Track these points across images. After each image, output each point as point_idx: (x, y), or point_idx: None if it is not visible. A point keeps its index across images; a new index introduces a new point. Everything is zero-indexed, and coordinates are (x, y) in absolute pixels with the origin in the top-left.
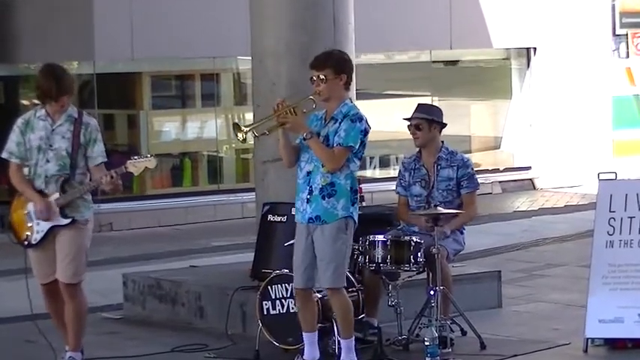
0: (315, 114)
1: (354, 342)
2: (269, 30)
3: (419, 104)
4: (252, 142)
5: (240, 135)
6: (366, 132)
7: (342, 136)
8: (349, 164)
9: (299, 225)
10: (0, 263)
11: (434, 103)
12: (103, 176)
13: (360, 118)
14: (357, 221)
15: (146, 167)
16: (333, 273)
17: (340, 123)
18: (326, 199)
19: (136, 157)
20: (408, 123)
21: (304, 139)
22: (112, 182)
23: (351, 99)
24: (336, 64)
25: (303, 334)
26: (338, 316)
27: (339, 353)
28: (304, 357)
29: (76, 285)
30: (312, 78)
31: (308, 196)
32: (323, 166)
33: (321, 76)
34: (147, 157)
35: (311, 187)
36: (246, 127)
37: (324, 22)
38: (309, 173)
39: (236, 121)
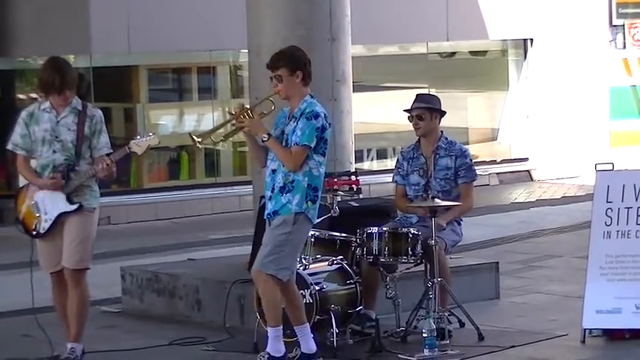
0: (283, 111)
1: (279, 331)
2: (266, 24)
3: (418, 94)
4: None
5: (198, 145)
6: (323, 129)
7: (298, 135)
8: (308, 161)
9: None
10: (1, 257)
11: None
12: (99, 163)
13: (316, 115)
14: (312, 219)
15: (149, 145)
16: (264, 257)
17: (298, 121)
18: (284, 194)
19: (138, 137)
20: (409, 114)
21: (262, 140)
22: (107, 169)
23: (312, 95)
24: (289, 61)
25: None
26: (262, 302)
27: (338, 346)
28: (302, 350)
29: (81, 272)
30: (271, 78)
31: (270, 194)
32: (284, 166)
33: (277, 76)
34: (149, 135)
35: (274, 185)
36: (197, 136)
37: (321, 16)
38: (273, 171)
39: (190, 132)
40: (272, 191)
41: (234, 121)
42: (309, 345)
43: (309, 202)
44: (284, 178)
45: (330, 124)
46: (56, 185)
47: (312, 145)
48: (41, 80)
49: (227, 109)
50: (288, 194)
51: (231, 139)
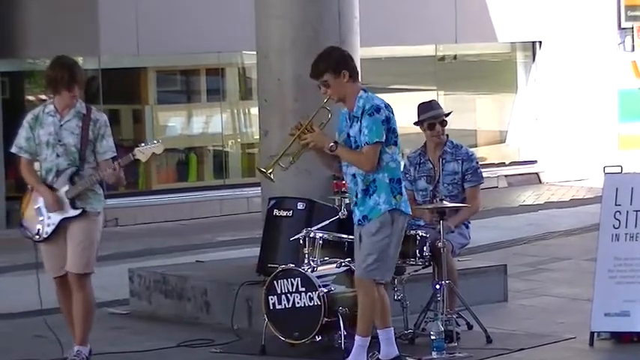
0: (342, 114)
1: (367, 342)
2: (274, 26)
3: (424, 104)
4: (257, 137)
5: (270, 175)
6: (388, 119)
7: (366, 134)
8: (382, 156)
9: (355, 226)
10: (9, 259)
11: (439, 98)
12: (106, 168)
13: (377, 108)
14: (405, 211)
15: (153, 153)
16: (369, 264)
17: (361, 120)
18: (370, 197)
19: (143, 144)
20: (429, 122)
21: (331, 151)
22: (114, 174)
23: (364, 88)
24: (330, 64)
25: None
26: (359, 309)
27: (346, 348)
28: (380, 357)
29: (86, 276)
30: (319, 85)
31: (356, 199)
32: (361, 169)
33: (324, 83)
34: (154, 143)
35: (357, 190)
36: (266, 169)
37: (330, 17)
38: (354, 175)
39: (258, 167)
40: (357, 196)
41: (298, 140)
42: (389, 350)
43: (398, 196)
44: (364, 181)
45: (392, 112)
46: (56, 205)
47: (383, 140)
48: (49, 78)
49: (291, 130)
50: (374, 195)
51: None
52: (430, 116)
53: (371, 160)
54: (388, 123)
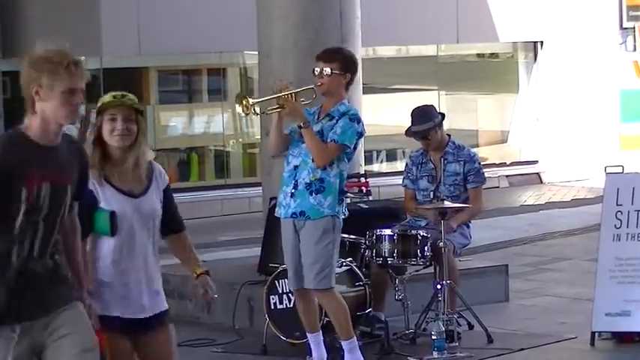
0: (307, 109)
1: (355, 342)
2: (276, 26)
3: (414, 113)
4: (259, 137)
5: (239, 108)
6: (361, 135)
7: (337, 133)
8: (339, 163)
9: (282, 220)
10: None
11: (440, 98)
12: None
13: (358, 119)
14: (341, 220)
15: None
16: (317, 274)
17: (337, 120)
18: (313, 194)
19: None
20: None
21: (299, 127)
22: None
23: (348, 100)
24: (345, 60)
25: (307, 334)
26: (331, 318)
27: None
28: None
29: None
30: (314, 70)
31: (292, 190)
32: (313, 161)
33: (326, 69)
34: None
35: (296, 181)
36: (252, 99)
37: (331, 17)
38: (295, 167)
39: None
40: (294, 187)
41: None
42: (320, 353)
43: (340, 205)
44: (311, 175)
45: (365, 131)
46: None
47: (351, 147)
48: None
49: (278, 85)
50: (318, 195)
51: (244, 115)
52: (411, 132)
53: (329, 156)
54: (359, 138)
